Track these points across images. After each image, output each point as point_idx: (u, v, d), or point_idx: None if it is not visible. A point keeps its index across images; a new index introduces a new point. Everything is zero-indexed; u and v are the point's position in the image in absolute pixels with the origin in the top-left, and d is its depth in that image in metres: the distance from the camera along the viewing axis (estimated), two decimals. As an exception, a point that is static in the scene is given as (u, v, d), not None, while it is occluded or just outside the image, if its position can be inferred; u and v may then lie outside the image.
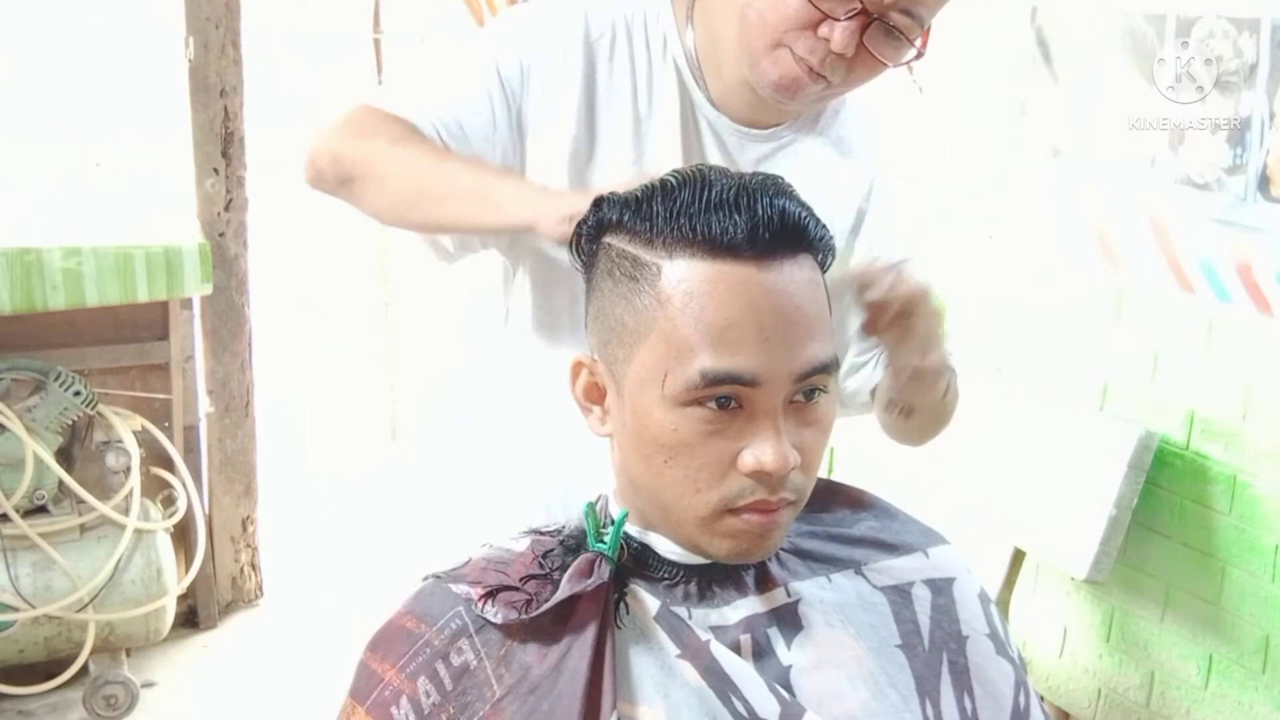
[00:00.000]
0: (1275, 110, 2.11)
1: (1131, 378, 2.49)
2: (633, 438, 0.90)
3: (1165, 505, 2.44)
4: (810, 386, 0.88)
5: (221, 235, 2.97)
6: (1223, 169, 2.21)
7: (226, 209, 2.98)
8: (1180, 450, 2.39)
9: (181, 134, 3.01)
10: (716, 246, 0.86)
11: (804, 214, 0.88)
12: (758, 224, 0.85)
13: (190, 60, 2.89)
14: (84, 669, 2.71)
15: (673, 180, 0.88)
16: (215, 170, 2.95)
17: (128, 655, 2.79)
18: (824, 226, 0.91)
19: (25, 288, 2.58)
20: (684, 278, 0.86)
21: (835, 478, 1.09)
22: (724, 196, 0.86)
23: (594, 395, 0.95)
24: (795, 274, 0.87)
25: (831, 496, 1.05)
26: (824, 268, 0.92)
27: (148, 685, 2.84)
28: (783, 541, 0.92)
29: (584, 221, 0.94)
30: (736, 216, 0.85)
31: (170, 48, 3.02)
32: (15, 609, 2.57)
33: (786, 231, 0.87)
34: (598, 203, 0.93)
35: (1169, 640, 2.47)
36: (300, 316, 5.60)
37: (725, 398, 0.86)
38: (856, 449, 3.10)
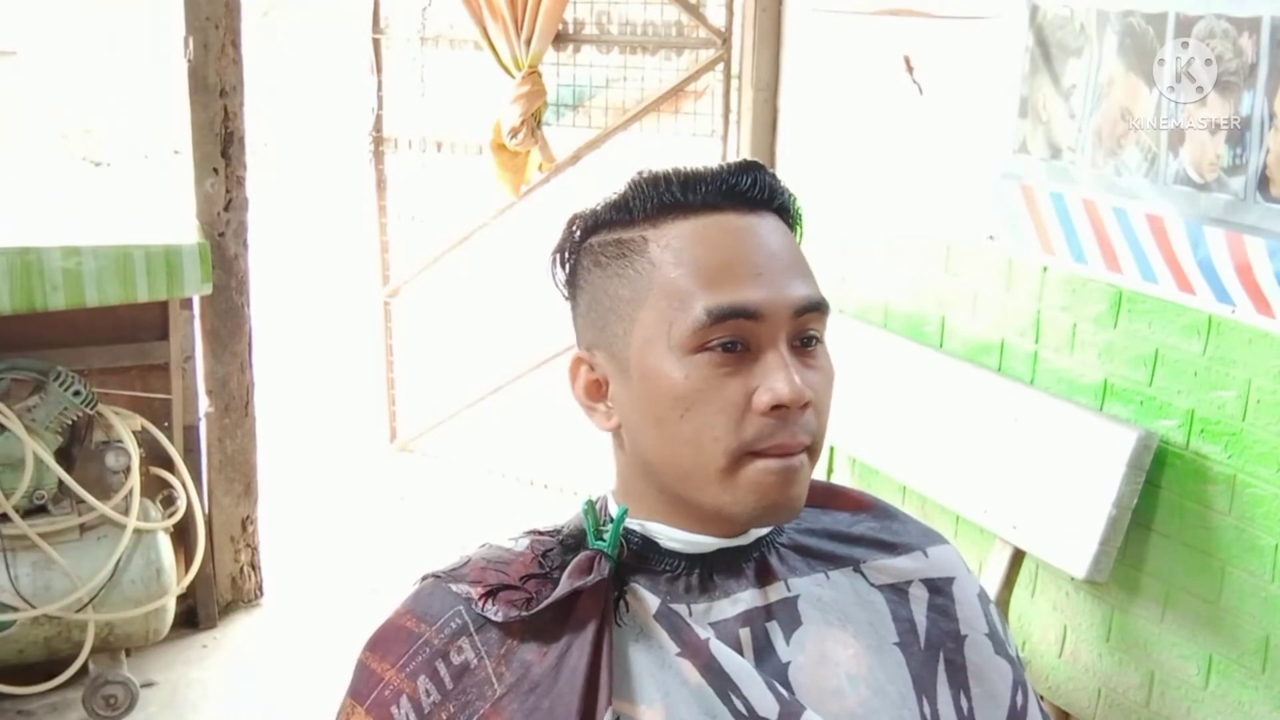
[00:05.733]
0: (1275, 110, 2.11)
1: (1131, 378, 2.49)
2: (643, 405, 0.91)
3: (1165, 505, 2.44)
4: (807, 331, 0.90)
5: (221, 235, 2.97)
6: (1223, 169, 2.21)
7: (226, 209, 2.98)
8: (1180, 450, 2.39)
9: (182, 134, 3.02)
10: (696, 206, 0.91)
11: (769, 176, 0.94)
12: (730, 181, 0.91)
13: (190, 60, 2.89)
14: (84, 669, 2.71)
15: (641, 173, 0.94)
16: (215, 170, 2.95)
17: (128, 655, 2.79)
18: (792, 195, 0.95)
19: (25, 288, 2.58)
20: (672, 237, 0.91)
21: (835, 479, 1.09)
22: (693, 170, 0.92)
23: (595, 392, 0.95)
24: (773, 223, 0.93)
25: (831, 498, 1.05)
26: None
27: (148, 685, 2.84)
28: (802, 504, 0.91)
29: (561, 248, 0.97)
30: (709, 180, 0.91)
31: (170, 48, 3.03)
32: (15, 609, 2.57)
33: (757, 187, 0.92)
34: (571, 222, 0.97)
35: (1169, 640, 2.47)
36: (300, 317, 5.62)
37: (731, 342, 0.88)
38: (857, 449, 3.10)
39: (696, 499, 0.91)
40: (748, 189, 0.91)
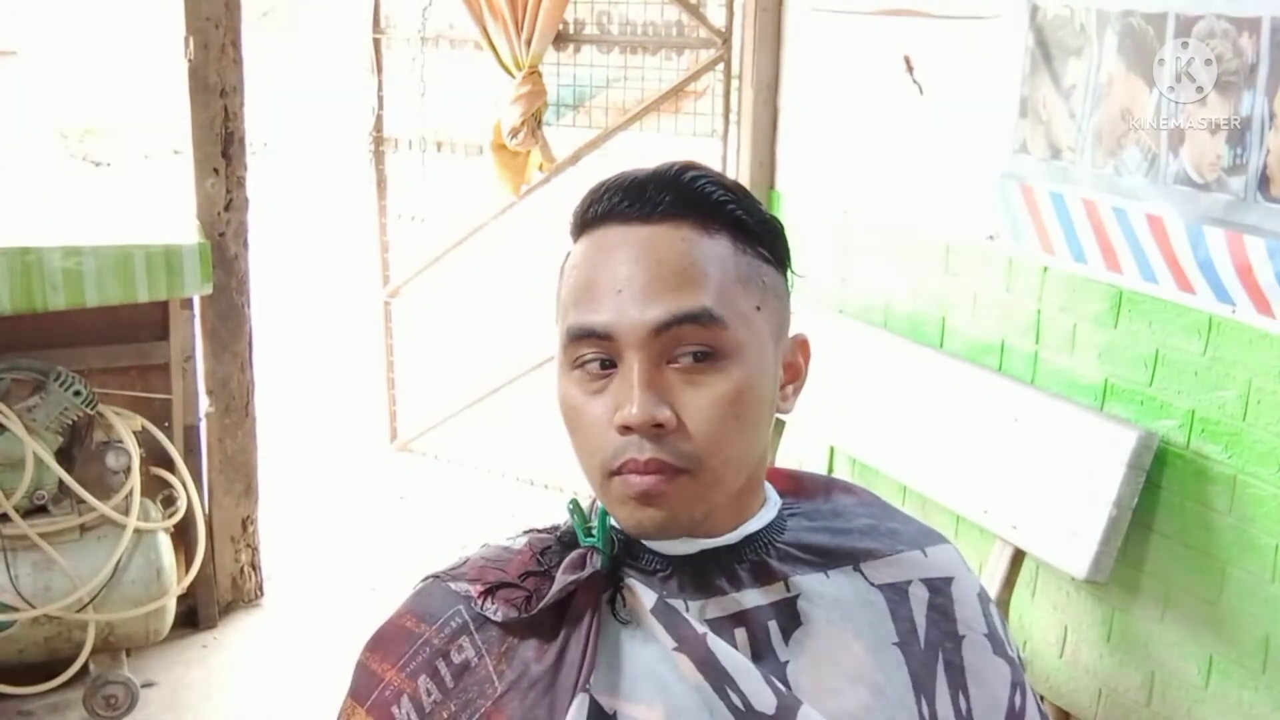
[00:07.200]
0: (1275, 110, 2.11)
1: (1131, 378, 2.49)
2: None
3: (1165, 505, 2.44)
4: (688, 347, 0.87)
5: (221, 235, 2.97)
6: (1223, 169, 2.21)
7: (226, 209, 2.98)
8: (1180, 450, 2.39)
9: (182, 134, 3.02)
10: (601, 217, 0.90)
11: (690, 178, 0.89)
12: (631, 187, 0.89)
13: (190, 60, 2.89)
14: (84, 669, 2.71)
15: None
16: (215, 170, 2.95)
17: (128, 655, 2.79)
18: (720, 199, 0.89)
19: (25, 288, 2.58)
20: (573, 253, 0.92)
21: (834, 477, 1.09)
22: (626, 176, 0.90)
23: None
24: (670, 233, 0.88)
25: (830, 493, 1.05)
26: (749, 242, 0.91)
27: (148, 685, 2.84)
28: (697, 515, 0.89)
29: None
30: (621, 186, 0.89)
31: (170, 48, 3.03)
32: (15, 609, 2.57)
33: (659, 192, 0.88)
34: None
35: (1169, 640, 2.47)
36: (300, 317, 5.62)
37: (603, 360, 0.88)
38: (857, 449, 3.10)
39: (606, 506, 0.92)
40: (643, 201, 0.88)
